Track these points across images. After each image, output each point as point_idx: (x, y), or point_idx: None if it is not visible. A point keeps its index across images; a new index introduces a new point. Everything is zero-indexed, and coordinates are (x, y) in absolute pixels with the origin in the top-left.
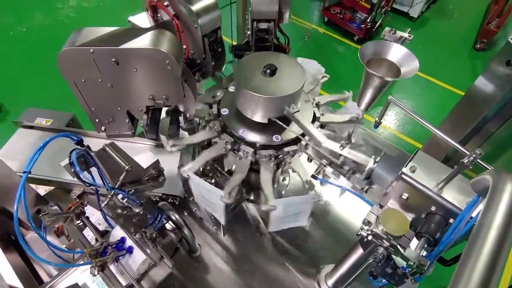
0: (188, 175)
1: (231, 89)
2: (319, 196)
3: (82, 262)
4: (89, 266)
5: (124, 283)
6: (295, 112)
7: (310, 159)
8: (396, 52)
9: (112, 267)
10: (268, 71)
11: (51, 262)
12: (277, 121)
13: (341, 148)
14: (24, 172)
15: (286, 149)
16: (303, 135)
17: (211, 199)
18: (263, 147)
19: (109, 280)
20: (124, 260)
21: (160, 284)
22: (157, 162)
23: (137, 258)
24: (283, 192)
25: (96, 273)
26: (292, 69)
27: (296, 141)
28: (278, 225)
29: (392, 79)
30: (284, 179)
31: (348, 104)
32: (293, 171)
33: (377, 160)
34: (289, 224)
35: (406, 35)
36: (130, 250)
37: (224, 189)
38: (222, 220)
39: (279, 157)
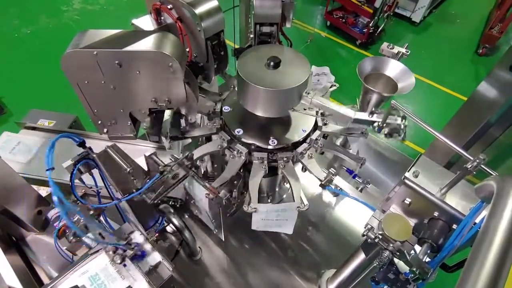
0: None
1: (225, 109)
2: (305, 206)
3: (113, 241)
4: (100, 261)
5: (139, 277)
6: (312, 97)
7: (304, 169)
8: (393, 68)
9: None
10: (272, 63)
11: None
12: (296, 110)
13: (370, 116)
14: (47, 169)
15: (280, 154)
16: (306, 138)
17: (198, 194)
18: (257, 149)
19: (126, 272)
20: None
21: (160, 287)
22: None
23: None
24: (284, 196)
25: (118, 261)
26: (295, 59)
27: (291, 147)
28: (260, 226)
29: (389, 95)
30: (285, 183)
31: (319, 75)
32: (287, 181)
33: (404, 115)
34: (273, 228)
35: (403, 50)
36: (143, 255)
37: (246, 200)
38: (210, 213)
39: (272, 161)
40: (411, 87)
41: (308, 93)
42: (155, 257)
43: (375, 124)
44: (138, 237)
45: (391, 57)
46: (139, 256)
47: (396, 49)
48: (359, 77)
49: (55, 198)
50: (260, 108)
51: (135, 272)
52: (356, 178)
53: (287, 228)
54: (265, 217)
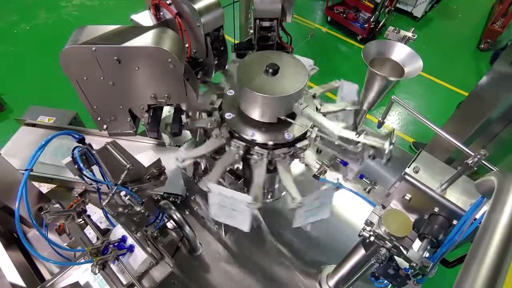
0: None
1: (229, 93)
2: (256, 205)
3: (83, 260)
4: (90, 264)
5: (124, 282)
6: (304, 108)
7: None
8: (399, 52)
9: (113, 266)
10: (271, 70)
11: (53, 260)
12: (287, 119)
13: (357, 136)
14: (26, 169)
15: (277, 151)
16: (303, 135)
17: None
18: (257, 145)
19: (109, 278)
20: (125, 259)
21: (161, 283)
22: (158, 161)
23: (138, 257)
24: (284, 193)
25: (96, 271)
26: (293, 66)
27: (290, 143)
28: (217, 214)
29: (396, 79)
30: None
31: (344, 91)
32: (283, 181)
33: (393, 142)
34: (229, 220)
35: (410, 34)
36: (131, 249)
37: (206, 177)
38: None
39: (271, 158)
40: (419, 70)
41: (301, 104)
42: (155, 253)
43: (359, 145)
44: (121, 232)
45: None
46: (127, 252)
47: (402, 33)
48: (364, 61)
49: (16, 205)
50: (257, 113)
51: (116, 278)
52: (363, 179)
53: (242, 223)
54: (220, 203)
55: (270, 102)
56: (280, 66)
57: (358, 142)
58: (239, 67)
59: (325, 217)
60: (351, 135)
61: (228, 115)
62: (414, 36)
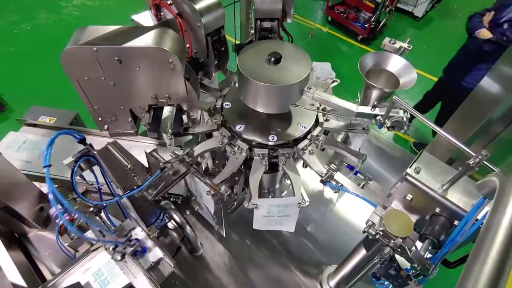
0: None
1: (226, 105)
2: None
3: (111, 239)
4: (103, 257)
5: (139, 274)
6: (314, 92)
7: (305, 165)
8: (395, 63)
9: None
10: (273, 59)
11: (84, 236)
12: (300, 106)
13: (373, 109)
14: (44, 166)
15: (281, 150)
16: (307, 134)
17: (199, 190)
18: (258, 145)
19: (127, 268)
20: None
21: (161, 283)
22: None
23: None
24: (285, 192)
25: (118, 258)
26: (296, 55)
27: (292, 143)
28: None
29: (391, 90)
30: (286, 179)
31: (319, 71)
32: (288, 177)
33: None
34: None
35: (405, 45)
36: (144, 250)
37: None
38: (211, 210)
39: (273, 157)
40: (413, 82)
41: (310, 88)
42: (156, 253)
43: (378, 118)
44: (139, 233)
45: (393, 52)
46: (140, 252)
47: (398, 44)
48: (360, 73)
49: (50, 196)
50: (261, 104)
51: (135, 269)
52: (357, 175)
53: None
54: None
55: (282, 91)
56: (282, 55)
57: (376, 115)
58: (240, 57)
59: (290, 230)
60: (367, 109)
61: (239, 127)
62: (410, 47)
